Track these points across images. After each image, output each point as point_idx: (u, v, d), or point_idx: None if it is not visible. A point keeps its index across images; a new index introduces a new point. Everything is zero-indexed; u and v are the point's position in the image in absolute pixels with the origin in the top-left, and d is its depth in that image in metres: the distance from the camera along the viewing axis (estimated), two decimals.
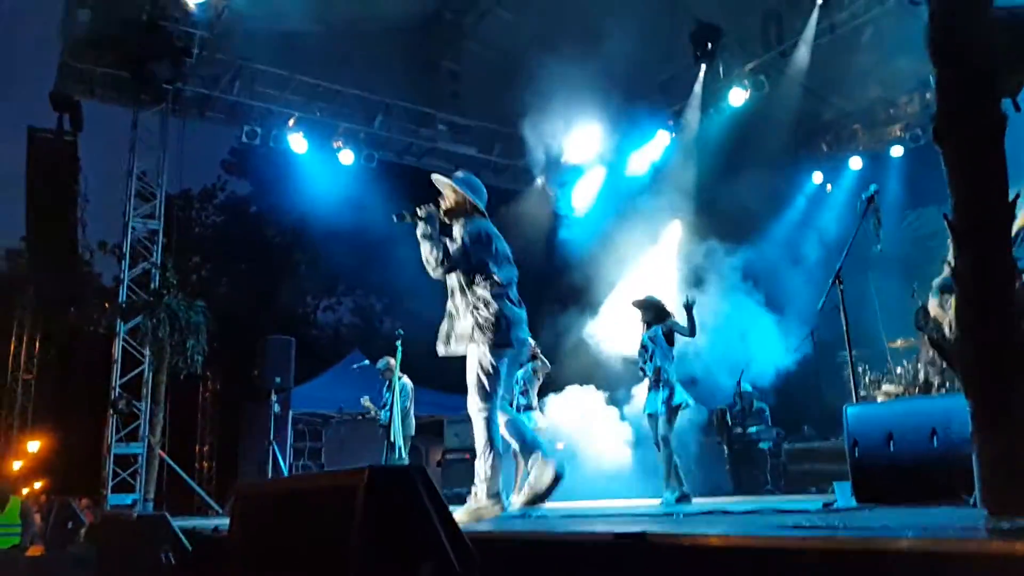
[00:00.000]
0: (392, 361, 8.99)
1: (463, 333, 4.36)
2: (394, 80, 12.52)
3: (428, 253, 4.36)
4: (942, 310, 4.79)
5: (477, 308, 4.30)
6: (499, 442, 4.25)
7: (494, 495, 4.19)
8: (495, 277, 4.36)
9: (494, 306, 4.29)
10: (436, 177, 4.72)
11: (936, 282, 4.86)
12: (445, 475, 11.83)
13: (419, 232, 4.43)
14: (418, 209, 4.47)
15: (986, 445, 2.13)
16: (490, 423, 4.26)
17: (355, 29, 11.40)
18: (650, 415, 6.75)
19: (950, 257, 4.43)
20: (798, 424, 10.55)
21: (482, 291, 4.32)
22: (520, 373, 7.69)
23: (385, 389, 9.54)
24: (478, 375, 4.27)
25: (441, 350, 4.53)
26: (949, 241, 4.75)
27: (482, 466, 4.23)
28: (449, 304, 4.53)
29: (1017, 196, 2.35)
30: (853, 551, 1.76)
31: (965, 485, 3.45)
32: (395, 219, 4.54)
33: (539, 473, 4.18)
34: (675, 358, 6.83)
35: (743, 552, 1.87)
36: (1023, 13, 2.66)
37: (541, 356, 8.16)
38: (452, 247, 4.36)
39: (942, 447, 3.72)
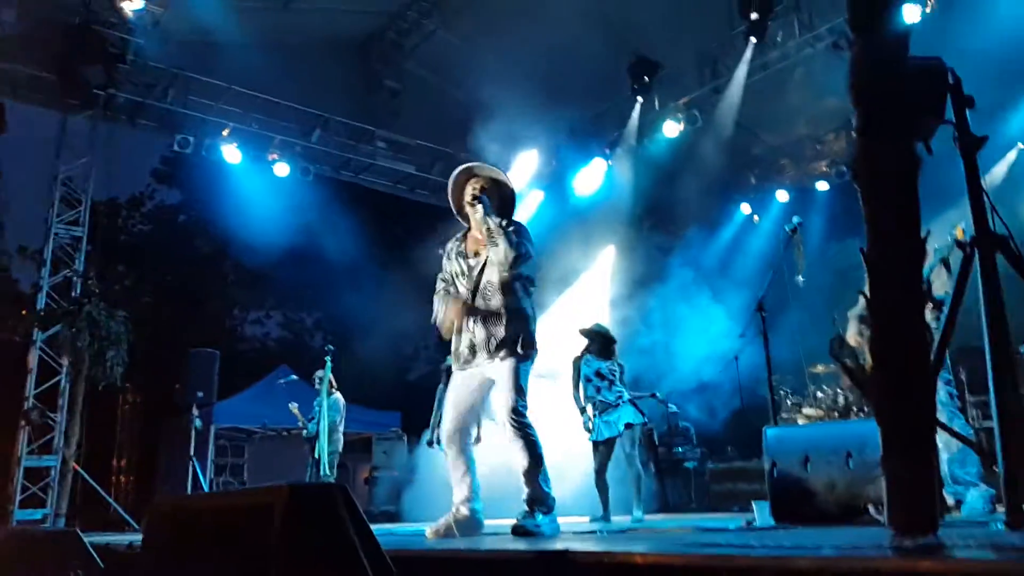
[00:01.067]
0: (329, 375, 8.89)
1: (507, 338, 4.04)
2: (333, 95, 12.44)
3: (507, 247, 4.01)
4: (861, 338, 4.99)
5: (530, 317, 4.11)
6: (542, 450, 4.01)
7: (552, 503, 4.00)
8: (531, 289, 4.23)
9: (533, 315, 4.15)
10: (481, 165, 4.40)
11: (852, 312, 5.07)
12: (372, 493, 11.70)
13: (494, 223, 4.09)
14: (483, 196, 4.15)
15: (894, 469, 2.21)
16: (534, 433, 4.00)
17: (295, 43, 11.33)
18: (597, 443, 6.84)
19: (866, 289, 4.60)
20: (722, 445, 10.78)
21: (532, 300, 4.16)
22: None
23: (317, 402, 9.41)
24: (517, 382, 4.00)
25: (482, 358, 4.11)
26: (866, 273, 4.94)
27: (537, 475, 3.96)
28: (476, 305, 4.16)
29: (928, 233, 2.47)
30: (768, 569, 1.81)
31: (877, 506, 3.60)
32: (474, 201, 4.16)
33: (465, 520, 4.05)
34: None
35: (663, 570, 1.91)
36: (934, 64, 2.83)
37: None
38: (521, 243, 4.06)
39: (857, 469, 3.86)
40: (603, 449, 6.87)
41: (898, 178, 2.44)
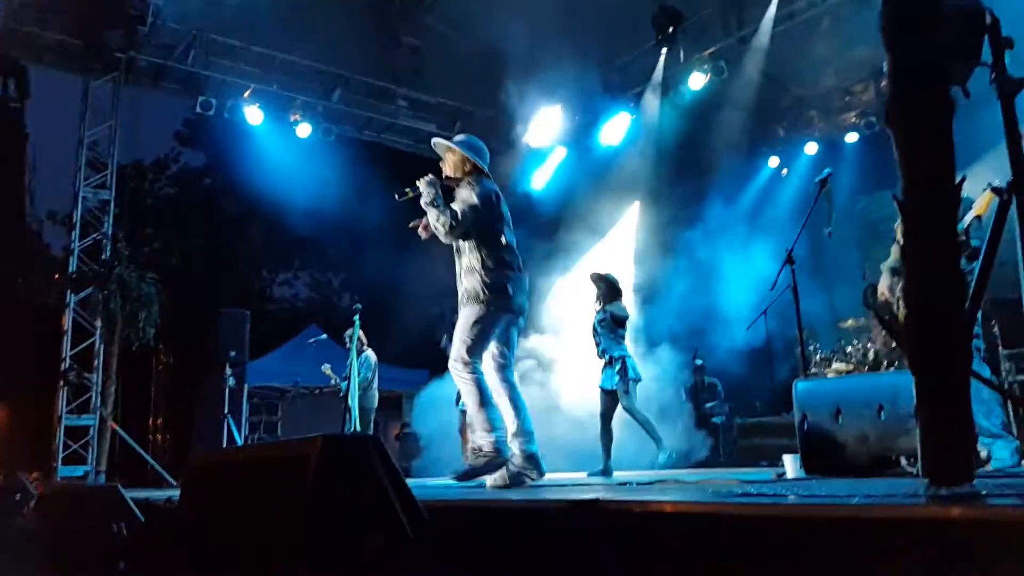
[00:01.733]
0: (360, 333, 8.99)
1: (469, 293, 4.31)
2: (353, 54, 12.35)
3: (436, 220, 4.30)
4: (889, 293, 4.92)
5: (484, 271, 4.26)
6: (489, 392, 4.21)
7: (500, 447, 4.15)
8: (503, 240, 4.36)
9: (501, 270, 4.28)
10: (436, 140, 4.65)
11: (886, 264, 4.99)
12: (403, 449, 11.87)
13: (423, 201, 4.35)
14: (419, 182, 4.40)
15: (929, 418, 2.20)
16: (477, 374, 4.22)
17: (314, 0, 11.22)
18: (602, 390, 6.90)
19: (899, 237, 4.54)
20: (750, 400, 10.76)
21: (490, 254, 4.29)
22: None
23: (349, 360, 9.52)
24: (468, 330, 4.23)
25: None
26: (897, 225, 4.88)
27: (481, 433, 4.17)
28: (456, 266, 4.48)
29: (963, 179, 2.41)
30: (801, 518, 1.81)
31: (909, 458, 3.58)
32: (397, 198, 4.47)
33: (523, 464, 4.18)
34: (623, 337, 7.00)
35: (694, 518, 1.91)
36: (970, 3, 2.74)
37: None
38: (461, 209, 4.28)
39: (889, 421, 3.83)
40: (601, 396, 6.99)
41: (932, 123, 2.38)
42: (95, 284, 10.17)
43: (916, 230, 2.43)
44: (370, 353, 9.21)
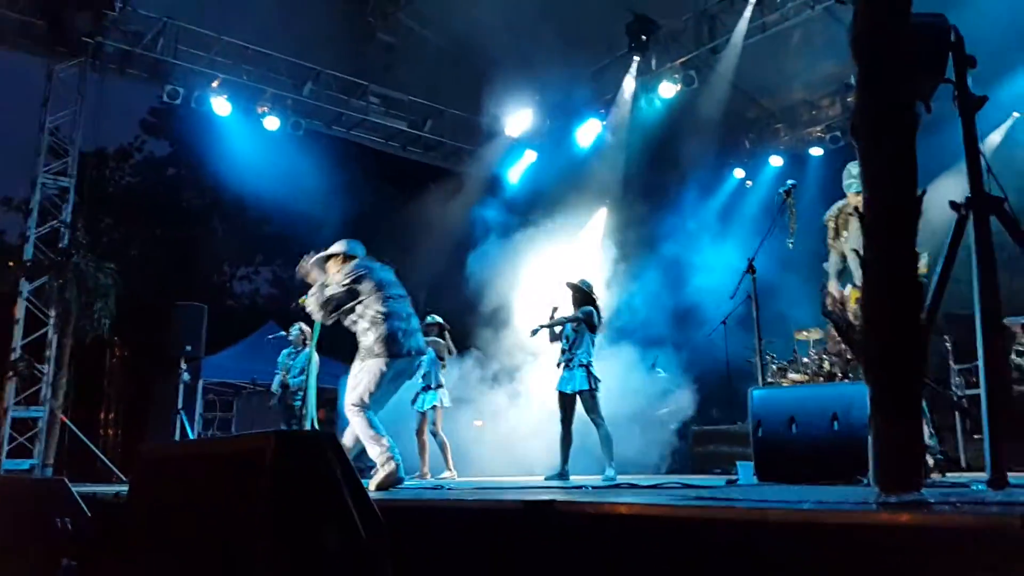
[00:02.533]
0: (306, 328, 8.90)
1: (364, 348, 4.95)
2: (326, 48, 12.24)
3: (311, 307, 5.14)
4: (838, 294, 5.01)
5: (373, 329, 4.90)
6: (379, 426, 4.87)
7: (394, 467, 4.69)
8: (386, 295, 5.01)
9: (385, 325, 4.90)
10: (300, 265, 5.51)
11: (829, 265, 5.09)
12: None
13: (307, 297, 5.21)
14: (308, 293, 5.25)
15: (881, 427, 2.22)
16: (369, 418, 4.84)
17: None
18: (563, 393, 6.88)
19: (831, 237, 4.69)
20: (706, 407, 10.84)
21: (376, 314, 4.93)
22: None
23: (290, 357, 9.41)
24: (362, 381, 4.83)
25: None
26: (827, 219, 5.02)
27: (375, 451, 4.74)
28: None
29: (923, 192, 2.45)
30: (751, 521, 1.82)
31: (861, 466, 3.63)
32: (293, 307, 5.54)
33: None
34: (593, 343, 7.00)
35: (647, 520, 1.92)
36: (937, 21, 2.79)
37: (449, 341, 8.29)
38: (330, 293, 5.04)
39: (842, 431, 3.89)
40: (560, 400, 6.96)
41: (897, 135, 2.42)
42: (51, 273, 9.95)
43: (876, 241, 2.46)
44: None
